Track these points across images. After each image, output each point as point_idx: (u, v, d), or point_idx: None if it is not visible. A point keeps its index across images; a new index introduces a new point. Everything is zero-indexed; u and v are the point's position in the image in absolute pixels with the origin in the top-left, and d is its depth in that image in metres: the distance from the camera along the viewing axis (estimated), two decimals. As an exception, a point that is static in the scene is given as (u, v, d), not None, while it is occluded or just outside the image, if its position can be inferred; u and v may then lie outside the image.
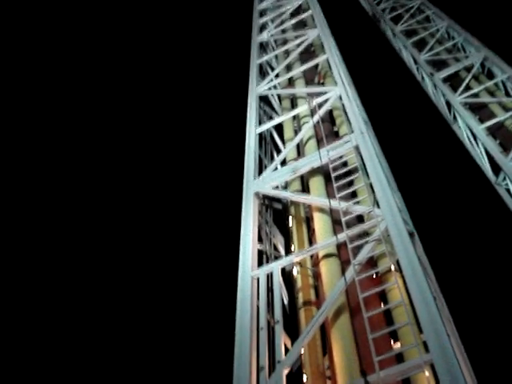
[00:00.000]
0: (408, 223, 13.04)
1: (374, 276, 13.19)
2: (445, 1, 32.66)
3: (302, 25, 25.48)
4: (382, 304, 12.66)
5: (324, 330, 13.10)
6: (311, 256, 14.67)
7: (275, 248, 16.62)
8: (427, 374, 9.78)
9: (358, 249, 12.47)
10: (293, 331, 13.38)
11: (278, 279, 13.12)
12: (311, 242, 15.27)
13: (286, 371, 11.17)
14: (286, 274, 15.01)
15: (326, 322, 12.33)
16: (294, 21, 25.46)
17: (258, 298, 12.83)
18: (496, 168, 23.34)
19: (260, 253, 15.01)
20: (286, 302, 15.08)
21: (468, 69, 27.35)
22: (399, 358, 11.03)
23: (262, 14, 27.96)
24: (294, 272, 14.80)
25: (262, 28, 26.29)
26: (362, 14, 39.58)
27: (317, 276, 14.40)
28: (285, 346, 12.72)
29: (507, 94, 25.97)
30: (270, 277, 13.32)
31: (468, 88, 26.09)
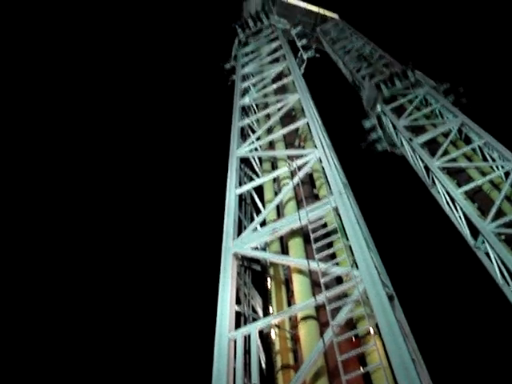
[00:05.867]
0: (387, 285, 12.98)
1: (353, 339, 13.02)
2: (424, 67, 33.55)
3: (283, 89, 25.94)
4: (361, 367, 12.46)
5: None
6: (290, 318, 14.48)
7: (253, 310, 16.39)
8: None
9: (336, 311, 12.36)
10: (270, 396, 13.06)
11: (255, 341, 12.90)
12: (290, 303, 15.09)
13: None
14: (264, 336, 14.74)
15: (304, 385, 12.07)
16: (275, 86, 25.94)
17: (235, 360, 12.56)
18: (475, 231, 23.49)
19: (238, 314, 14.77)
20: (263, 364, 14.76)
21: (446, 134, 28.02)
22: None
23: (245, 78, 28.52)
24: (273, 334, 14.56)
25: (245, 92, 26.73)
26: (342, 80, 40.55)
27: (295, 339, 14.17)
28: (262, 411, 12.43)
29: (484, 158, 26.52)
30: (247, 339, 13.11)
31: (446, 153, 26.60)
